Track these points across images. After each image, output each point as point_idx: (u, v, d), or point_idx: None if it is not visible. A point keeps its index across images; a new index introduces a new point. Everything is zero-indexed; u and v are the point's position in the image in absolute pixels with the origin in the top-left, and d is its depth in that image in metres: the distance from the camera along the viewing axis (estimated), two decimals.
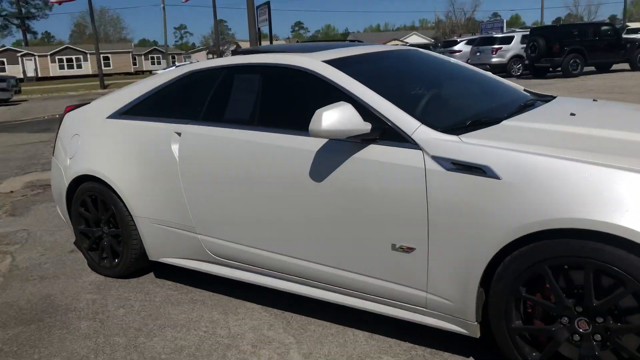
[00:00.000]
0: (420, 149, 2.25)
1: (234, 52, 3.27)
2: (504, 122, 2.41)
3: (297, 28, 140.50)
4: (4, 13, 72.16)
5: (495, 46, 21.37)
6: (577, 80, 17.17)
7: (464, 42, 24.40)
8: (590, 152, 2.01)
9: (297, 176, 2.57)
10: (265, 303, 3.07)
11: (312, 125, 2.30)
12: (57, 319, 3.07)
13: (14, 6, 72.26)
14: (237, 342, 2.68)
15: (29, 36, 75.38)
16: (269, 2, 22.55)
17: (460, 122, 2.39)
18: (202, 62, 3.27)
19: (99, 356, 2.64)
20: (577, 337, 1.99)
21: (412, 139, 2.29)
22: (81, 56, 61.80)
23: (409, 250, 2.30)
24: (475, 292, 2.16)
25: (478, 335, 2.25)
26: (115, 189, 3.31)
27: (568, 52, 18.65)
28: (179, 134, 3.06)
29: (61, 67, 61.01)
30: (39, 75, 58.51)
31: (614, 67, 20.68)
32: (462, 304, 2.22)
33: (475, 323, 2.22)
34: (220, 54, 35.76)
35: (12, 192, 6.48)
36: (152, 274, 3.63)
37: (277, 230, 2.71)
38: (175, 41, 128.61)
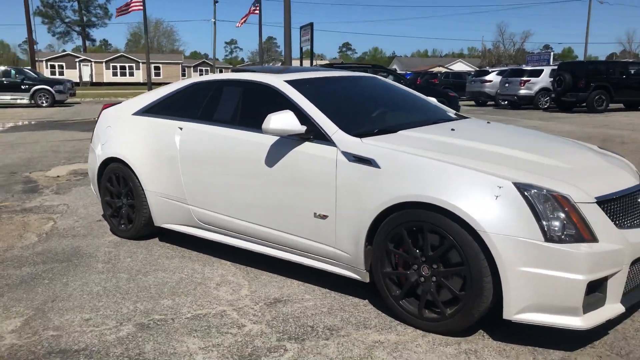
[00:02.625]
0: (336, 146, 3.21)
1: (232, 70, 4.31)
2: (400, 132, 3.33)
3: (344, 49, 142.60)
4: (67, 20, 76.63)
5: (524, 78, 21.97)
6: (599, 116, 17.62)
7: (495, 72, 25.02)
8: (439, 153, 2.92)
9: (256, 162, 3.55)
10: (236, 260, 4.05)
11: (264, 125, 3.29)
12: (81, 261, 4.12)
13: (76, 14, 76.70)
14: (206, 282, 3.66)
15: (87, 43, 79.73)
16: (312, 23, 23.88)
17: (370, 130, 3.34)
18: (202, 76, 4.31)
19: (108, 282, 3.66)
20: (422, 279, 2.88)
21: (332, 139, 3.24)
22: (134, 64, 64.96)
23: (324, 217, 3.24)
24: (363, 247, 3.07)
25: (367, 280, 3.15)
26: (133, 169, 4.37)
27: (594, 88, 19.15)
28: (181, 129, 4.10)
29: (114, 74, 64.24)
30: (94, 81, 61.84)
31: None
32: (356, 257, 3.13)
33: (365, 271, 3.13)
34: None
35: (58, 176, 7.70)
36: (156, 239, 4.66)
37: (242, 201, 3.69)
38: (226, 55, 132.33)
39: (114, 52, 77.44)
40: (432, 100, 4.48)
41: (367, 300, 3.31)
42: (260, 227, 3.63)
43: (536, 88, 21.87)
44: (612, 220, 2.69)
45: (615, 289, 2.65)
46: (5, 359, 2.72)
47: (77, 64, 63.25)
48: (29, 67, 31.19)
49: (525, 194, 2.59)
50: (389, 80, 4.55)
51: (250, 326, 3.00)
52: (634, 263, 2.73)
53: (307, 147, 3.33)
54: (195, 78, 4.35)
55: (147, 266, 3.98)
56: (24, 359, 2.71)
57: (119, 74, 64.37)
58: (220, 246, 4.30)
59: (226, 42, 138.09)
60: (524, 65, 26.90)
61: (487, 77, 24.92)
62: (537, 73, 22.23)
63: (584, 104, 19.48)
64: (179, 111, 4.24)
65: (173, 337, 2.89)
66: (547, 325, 2.60)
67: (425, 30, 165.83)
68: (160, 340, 2.85)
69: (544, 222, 2.55)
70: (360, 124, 3.49)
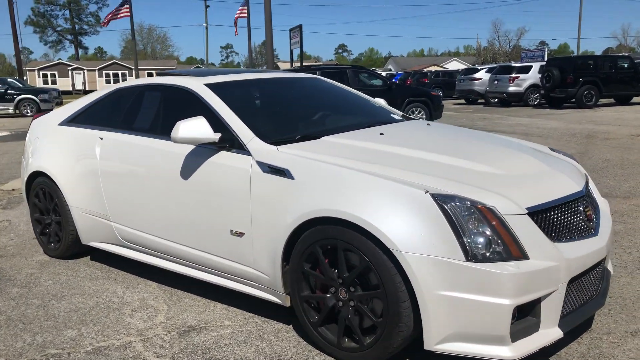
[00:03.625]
0: (251, 155, 2.88)
1: (158, 74, 3.98)
2: (324, 138, 3.01)
3: (340, 50, 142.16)
4: (58, 29, 76.36)
5: (513, 75, 21.64)
6: (588, 112, 17.30)
7: (485, 70, 24.69)
8: (356, 160, 2.60)
9: (172, 174, 3.22)
10: (163, 281, 3.72)
11: (172, 133, 2.96)
12: None
13: (68, 22, 76.42)
14: (122, 308, 3.33)
15: (80, 51, 79.44)
16: (300, 25, 23.61)
17: (291, 136, 3.01)
18: (127, 81, 3.99)
19: (15, 310, 3.33)
20: (340, 304, 2.56)
21: (247, 147, 2.92)
22: (127, 71, 64.56)
23: (241, 234, 2.92)
24: (280, 268, 2.74)
25: (288, 304, 2.82)
26: (57, 183, 4.04)
27: (582, 83, 18.82)
28: (102, 139, 3.77)
29: (107, 81, 63.83)
30: (87, 89, 61.47)
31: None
32: (274, 278, 2.80)
33: (284, 294, 2.80)
34: None
35: (13, 190, 7.36)
36: (88, 257, 4.33)
37: (161, 218, 3.36)
38: (222, 60, 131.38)
39: (109, 59, 77.21)
40: (379, 101, 4.16)
41: (291, 326, 2.98)
42: (181, 246, 3.30)
43: (525, 85, 21.53)
44: (546, 234, 2.37)
45: (551, 311, 2.32)
46: None
47: (70, 72, 62.98)
48: (16, 77, 30.87)
49: (444, 206, 2.26)
50: (333, 82, 4.22)
51: None
52: (572, 281, 2.40)
53: (222, 156, 3.00)
54: (120, 84, 4.03)
55: (65, 290, 3.65)
56: None
57: (112, 81, 63.94)
58: (151, 266, 3.96)
59: (222, 47, 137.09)
60: (513, 62, 26.56)
61: (477, 75, 24.59)
62: (526, 69, 21.88)
63: (574, 100, 19.16)
64: (102, 120, 3.92)
65: None
66: (472, 357, 2.27)
67: (420, 30, 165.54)
68: None
69: (465, 239, 2.22)
70: (281, 130, 3.17)
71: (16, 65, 34.22)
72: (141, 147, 3.47)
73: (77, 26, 76.75)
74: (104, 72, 64.10)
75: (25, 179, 4.40)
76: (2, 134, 15.75)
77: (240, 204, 2.88)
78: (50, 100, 25.43)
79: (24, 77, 52.65)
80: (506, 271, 2.17)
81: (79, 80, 63.11)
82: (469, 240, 2.22)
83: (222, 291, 3.45)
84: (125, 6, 33.70)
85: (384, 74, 38.21)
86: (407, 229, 2.28)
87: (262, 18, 21.96)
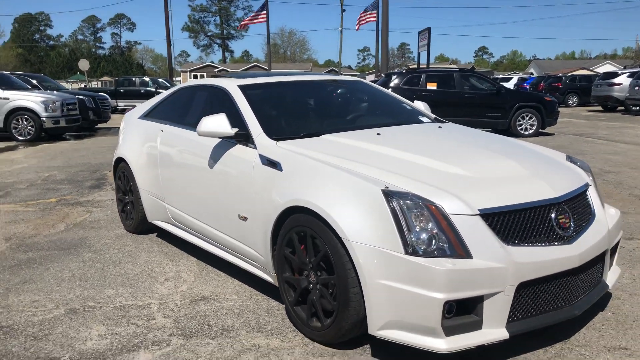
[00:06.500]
0: (256, 149, 3.22)
1: (211, 77, 4.49)
2: (323, 136, 3.25)
3: (480, 53, 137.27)
4: (209, 34, 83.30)
5: None
6: None
7: (626, 74, 22.50)
8: (338, 158, 2.82)
9: (203, 163, 3.68)
10: (201, 258, 4.21)
11: (197, 127, 3.41)
12: (77, 250, 4.55)
13: (218, 28, 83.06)
14: (159, 277, 3.86)
15: (227, 55, 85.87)
16: (429, 28, 23.53)
17: (295, 134, 3.30)
18: (187, 82, 4.55)
19: (80, 270, 4.02)
20: (310, 286, 2.80)
21: (254, 142, 3.27)
22: None
23: (245, 219, 3.27)
24: (270, 250, 3.05)
25: (277, 284, 3.12)
26: (131, 168, 4.73)
27: None
28: (162, 131, 4.36)
29: None
30: None
31: None
32: (266, 259, 3.12)
33: (274, 274, 3.10)
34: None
35: None
36: (155, 234, 4.98)
37: (195, 201, 3.84)
38: (358, 62, 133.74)
39: (254, 62, 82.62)
40: (417, 105, 4.26)
41: (284, 306, 3.27)
42: (208, 227, 3.75)
43: None
44: (499, 236, 2.41)
45: (496, 312, 2.36)
46: None
47: (216, 73, 68.58)
48: (167, 78, 34.44)
49: (391, 201, 2.41)
50: (374, 86, 4.42)
51: (159, 320, 3.13)
52: (524, 286, 2.41)
53: (237, 149, 3.38)
54: (180, 84, 4.60)
55: (124, 258, 4.29)
56: None
57: None
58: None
59: (359, 50, 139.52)
60: None
61: (616, 80, 22.47)
62: None
63: None
64: (165, 114, 4.52)
65: (86, 322, 3.12)
66: (410, 345, 2.39)
67: (571, 31, 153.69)
68: (73, 325, 3.09)
69: (406, 233, 2.35)
70: (290, 128, 3.47)
71: (168, 67, 38.09)
72: (185, 139, 3.98)
73: (225, 31, 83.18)
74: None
75: (113, 164, 5.17)
76: None
77: (245, 193, 3.23)
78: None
79: (178, 78, 57.76)
80: (440, 266, 2.27)
81: None
82: (409, 234, 2.35)
83: (243, 271, 3.83)
84: (263, 12, 35.98)
85: (515, 78, 36.42)
86: (358, 220, 2.46)
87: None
